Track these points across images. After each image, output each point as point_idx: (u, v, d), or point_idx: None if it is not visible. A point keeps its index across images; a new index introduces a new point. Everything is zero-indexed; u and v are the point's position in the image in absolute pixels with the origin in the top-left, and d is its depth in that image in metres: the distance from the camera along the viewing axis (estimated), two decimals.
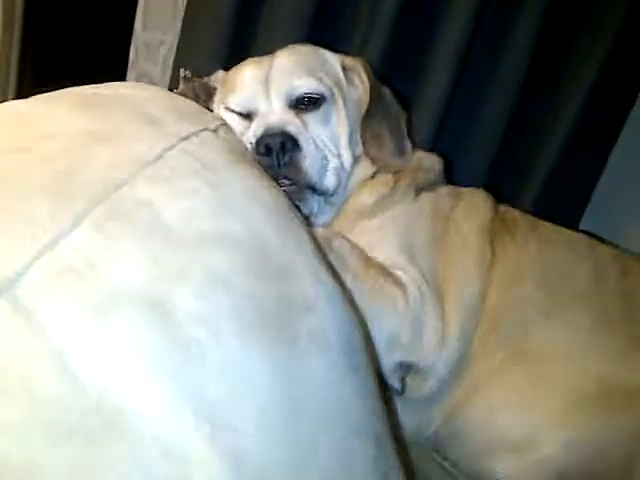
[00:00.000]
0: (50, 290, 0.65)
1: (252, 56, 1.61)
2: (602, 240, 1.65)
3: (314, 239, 1.16)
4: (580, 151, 2.07)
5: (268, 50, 1.60)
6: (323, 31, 1.95)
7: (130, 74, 2.40)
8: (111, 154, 0.86)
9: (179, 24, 2.15)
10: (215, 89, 1.59)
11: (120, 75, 2.41)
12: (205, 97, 1.56)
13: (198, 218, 0.82)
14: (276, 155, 1.37)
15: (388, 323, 1.30)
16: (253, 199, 0.95)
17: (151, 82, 2.35)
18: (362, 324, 1.20)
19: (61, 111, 0.96)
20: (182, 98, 1.26)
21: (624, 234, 2.16)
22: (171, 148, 0.94)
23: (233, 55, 1.97)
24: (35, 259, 0.65)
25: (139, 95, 1.14)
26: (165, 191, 0.83)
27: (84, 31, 2.72)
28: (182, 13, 2.13)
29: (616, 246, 1.66)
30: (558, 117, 2.06)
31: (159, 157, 0.90)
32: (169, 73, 2.21)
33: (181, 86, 1.55)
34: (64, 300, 0.65)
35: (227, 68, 1.62)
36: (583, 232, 1.68)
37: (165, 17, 2.32)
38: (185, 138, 0.99)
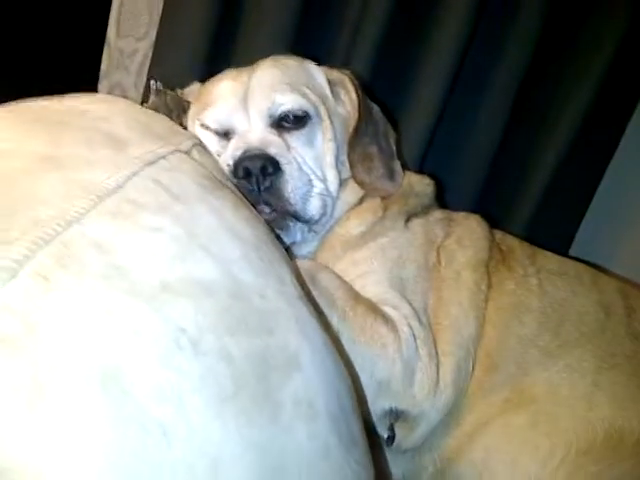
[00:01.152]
0: None
1: (232, 67, 1.49)
2: (595, 266, 1.56)
3: (297, 274, 1.05)
4: (572, 174, 2.00)
5: (249, 60, 1.48)
6: (306, 41, 1.84)
7: (102, 84, 2.27)
8: (62, 184, 0.73)
9: (154, 31, 2.02)
10: (189, 103, 1.46)
11: (91, 85, 2.27)
12: (178, 112, 1.43)
13: (162, 263, 0.69)
14: (256, 179, 1.25)
15: (378, 368, 1.17)
16: (229, 235, 0.83)
17: (124, 92, 2.22)
18: (349, 367, 1.10)
19: (7, 130, 0.82)
20: (152, 113, 1.13)
21: (611, 259, 2.10)
22: (134, 175, 0.81)
23: (212, 65, 1.85)
24: None
25: (100, 110, 1.00)
26: (124, 230, 0.70)
27: (53, 37, 2.57)
28: (158, 19, 2.00)
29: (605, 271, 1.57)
30: (550, 140, 1.98)
31: (119, 187, 0.77)
32: (143, 83, 2.08)
33: (152, 99, 1.42)
34: None
35: (204, 80, 1.50)
36: (574, 258, 1.59)
37: (140, 24, 2.19)
38: (152, 162, 0.86)
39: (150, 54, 2.03)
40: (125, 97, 2.19)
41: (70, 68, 2.41)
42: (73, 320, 0.58)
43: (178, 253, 0.72)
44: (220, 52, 1.88)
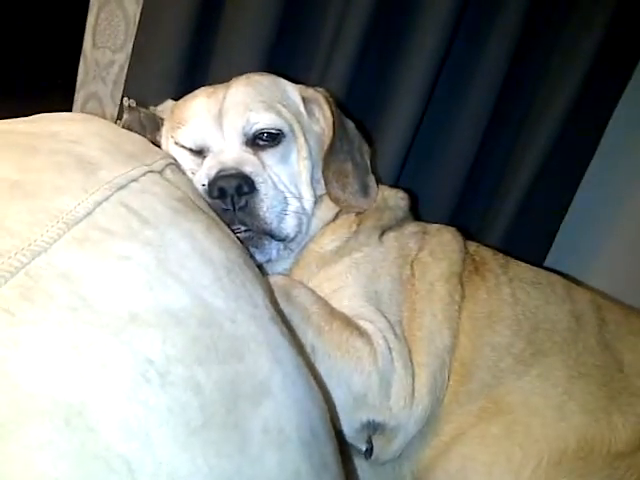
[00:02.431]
0: None
1: (209, 80, 1.49)
2: (568, 276, 1.57)
3: (271, 293, 1.05)
4: (547, 187, 2.01)
5: (226, 73, 1.48)
6: (282, 58, 1.83)
7: (78, 94, 2.26)
8: (29, 212, 0.73)
9: (131, 43, 2.01)
10: (163, 120, 1.45)
11: (68, 95, 2.26)
12: (152, 129, 1.42)
13: (130, 293, 0.69)
14: (231, 199, 1.24)
15: (354, 381, 1.18)
16: (200, 259, 0.83)
17: (100, 103, 2.21)
18: (323, 388, 1.10)
19: None
20: (125, 132, 1.13)
21: (585, 272, 2.14)
22: (104, 200, 0.81)
23: (188, 77, 1.85)
24: None
25: (73, 132, 0.99)
26: (92, 259, 0.70)
27: (30, 47, 2.55)
28: (135, 31, 1.99)
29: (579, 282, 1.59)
30: (525, 153, 1.99)
31: (88, 214, 0.76)
32: (119, 94, 2.07)
33: (125, 117, 1.41)
34: None
35: (178, 97, 1.49)
36: (549, 269, 1.60)
37: (116, 35, 2.18)
38: (123, 186, 0.86)
39: (126, 66, 2.02)
40: (102, 108, 2.19)
41: (47, 78, 2.40)
42: (37, 355, 0.58)
43: (147, 281, 0.72)
44: (197, 65, 1.88)
